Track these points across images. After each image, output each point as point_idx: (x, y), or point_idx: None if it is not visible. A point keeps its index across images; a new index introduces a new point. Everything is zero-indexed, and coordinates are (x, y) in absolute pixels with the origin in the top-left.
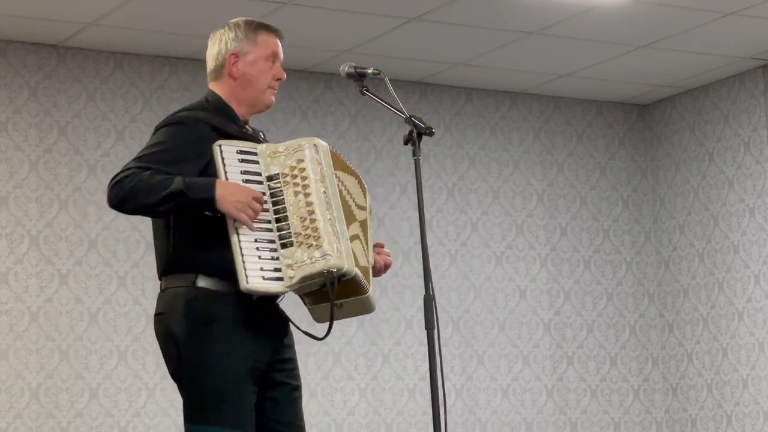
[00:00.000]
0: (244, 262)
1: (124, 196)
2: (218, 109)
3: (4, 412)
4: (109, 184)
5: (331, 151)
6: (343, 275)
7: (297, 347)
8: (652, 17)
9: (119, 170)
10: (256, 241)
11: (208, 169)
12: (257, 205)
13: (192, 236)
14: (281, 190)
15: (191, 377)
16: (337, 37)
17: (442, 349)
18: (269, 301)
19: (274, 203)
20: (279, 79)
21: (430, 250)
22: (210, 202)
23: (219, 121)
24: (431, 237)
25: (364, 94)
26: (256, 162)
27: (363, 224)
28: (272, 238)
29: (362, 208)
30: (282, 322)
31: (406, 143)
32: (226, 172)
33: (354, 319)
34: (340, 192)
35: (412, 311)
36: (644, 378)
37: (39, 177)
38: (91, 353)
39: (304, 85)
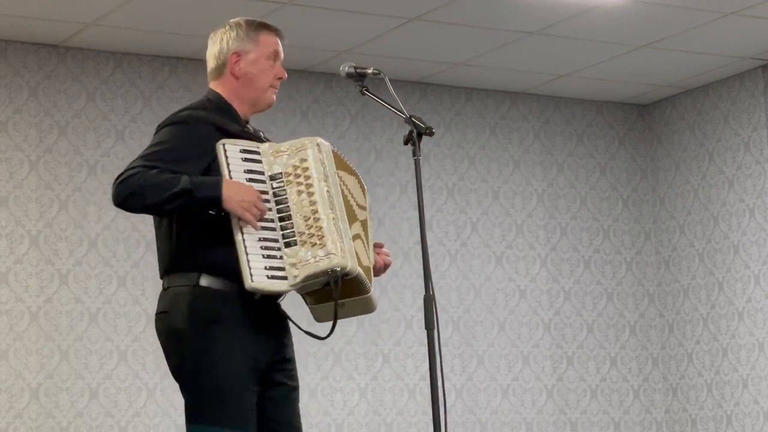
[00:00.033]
0: (248, 261)
1: (130, 195)
2: (220, 108)
3: (4, 412)
4: (115, 182)
5: (333, 151)
6: (347, 274)
7: (297, 347)
8: (652, 17)
9: (124, 169)
10: (260, 240)
11: (212, 168)
12: (263, 205)
13: (195, 235)
14: (284, 190)
15: (193, 377)
16: (337, 37)
17: (442, 349)
18: (271, 300)
19: (278, 202)
20: (280, 78)
21: (430, 250)
22: (216, 201)
23: (221, 120)
24: (431, 237)
25: (364, 94)
26: (259, 161)
27: (364, 224)
28: (276, 237)
29: (363, 207)
30: (283, 321)
31: (406, 143)
32: (230, 171)
33: (354, 319)
34: (342, 192)
35: (412, 311)
36: (644, 378)
37: (39, 177)
38: (91, 353)
39: (304, 85)
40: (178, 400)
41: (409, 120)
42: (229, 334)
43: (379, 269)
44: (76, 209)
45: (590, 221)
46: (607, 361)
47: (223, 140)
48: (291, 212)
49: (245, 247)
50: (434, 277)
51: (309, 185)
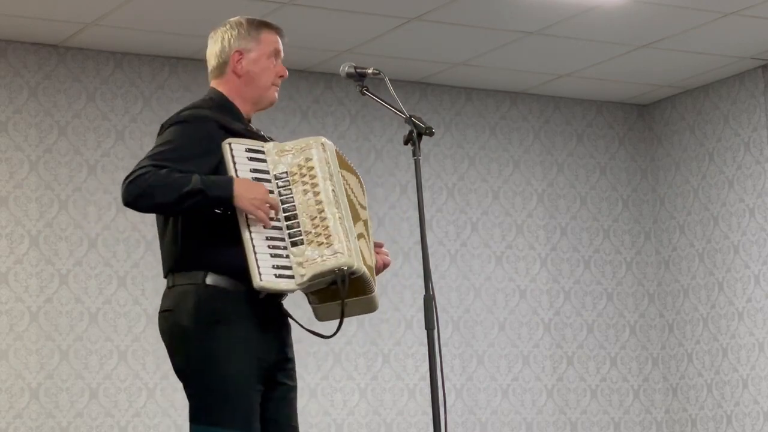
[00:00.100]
0: (257, 260)
1: (141, 194)
2: (223, 107)
3: (4, 412)
4: (124, 182)
5: (335, 151)
6: (353, 273)
7: (297, 347)
8: (652, 17)
9: (133, 169)
10: (267, 239)
11: (220, 167)
12: (273, 202)
13: (201, 234)
14: (290, 189)
15: (198, 376)
16: (337, 37)
17: (442, 349)
18: (275, 299)
19: (283, 202)
20: (282, 76)
21: (430, 250)
22: (228, 199)
23: (225, 118)
24: (431, 237)
25: (364, 94)
26: (264, 160)
27: (366, 223)
28: (282, 237)
29: (364, 207)
30: (285, 320)
31: (406, 143)
32: (236, 170)
33: (354, 318)
34: (346, 191)
35: (412, 311)
36: (644, 378)
37: (39, 177)
38: (91, 353)
39: (304, 85)
40: (178, 400)
41: (409, 120)
42: (235, 333)
43: (379, 269)
44: (76, 209)
45: (590, 221)
46: (607, 361)
47: (229, 139)
48: (297, 211)
49: (253, 246)
50: (434, 277)
51: (314, 184)
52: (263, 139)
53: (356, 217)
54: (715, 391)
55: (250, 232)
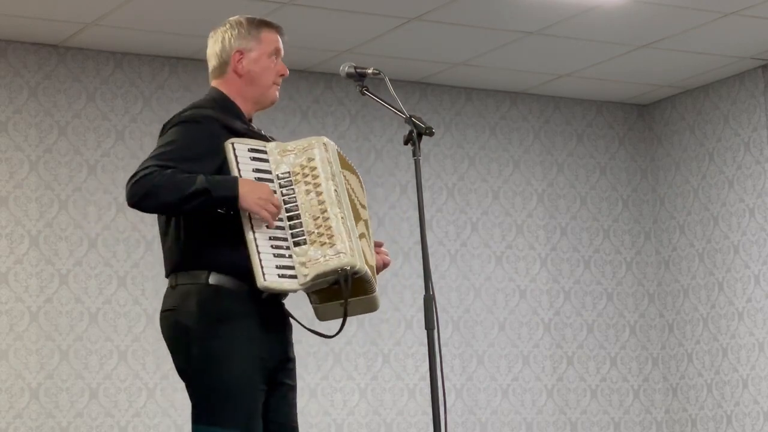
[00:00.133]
0: (260, 260)
1: (146, 194)
2: (224, 106)
3: (4, 412)
4: (129, 182)
5: (337, 150)
6: (356, 273)
7: (296, 347)
8: (652, 17)
9: (137, 169)
10: (270, 239)
11: (224, 167)
12: (278, 202)
13: (203, 234)
14: (292, 189)
15: (201, 376)
16: (337, 37)
17: (442, 349)
18: (277, 299)
19: (286, 201)
20: (282, 75)
21: (430, 250)
22: (233, 200)
23: (226, 118)
24: (431, 237)
25: (364, 94)
26: (267, 160)
27: (366, 223)
28: (285, 236)
29: (364, 207)
30: (286, 320)
31: (406, 143)
32: (239, 170)
33: (354, 318)
34: (347, 191)
35: (412, 311)
36: (644, 378)
37: (39, 177)
38: (91, 353)
39: (304, 85)
40: (178, 400)
41: (409, 120)
42: (238, 332)
43: (379, 268)
44: (76, 209)
45: (590, 221)
46: (607, 361)
47: (232, 139)
48: (300, 211)
49: (257, 246)
50: (434, 277)
51: (317, 184)
52: (265, 138)
53: (357, 217)
54: (715, 391)
55: (254, 232)
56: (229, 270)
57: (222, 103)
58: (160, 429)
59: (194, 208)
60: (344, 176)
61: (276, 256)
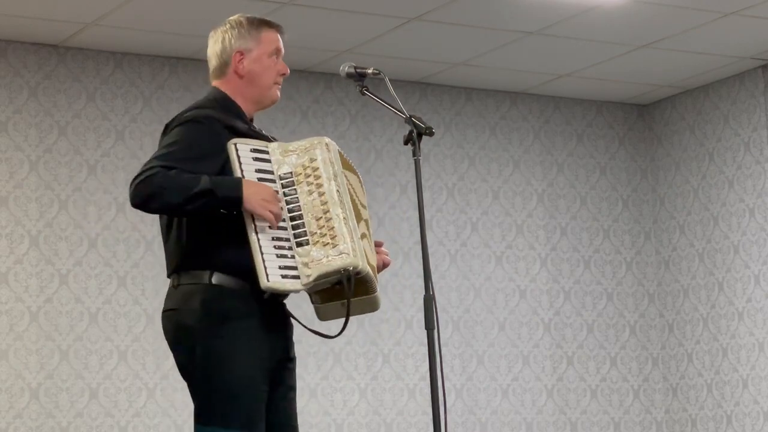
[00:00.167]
0: (264, 261)
1: (151, 195)
2: (226, 106)
3: (4, 412)
4: (133, 182)
5: (338, 151)
6: (358, 273)
7: (296, 347)
8: (652, 17)
9: (141, 169)
10: (273, 239)
11: (226, 167)
12: (279, 203)
13: (206, 234)
14: (295, 189)
15: (204, 376)
16: (337, 37)
17: (442, 349)
18: (278, 299)
19: (288, 202)
20: (283, 74)
21: (430, 250)
22: (238, 201)
23: (229, 118)
24: (431, 237)
25: (364, 94)
26: (269, 160)
27: (367, 223)
28: (287, 237)
29: (365, 206)
30: (288, 320)
31: (406, 143)
32: (242, 171)
33: (354, 318)
34: (348, 191)
35: (412, 311)
36: (644, 378)
37: (39, 177)
38: (91, 353)
39: (304, 85)
40: (178, 400)
41: (409, 120)
42: (241, 332)
43: (379, 268)
44: (76, 209)
45: (590, 221)
46: (607, 361)
47: (234, 139)
48: (302, 212)
49: (260, 247)
50: (434, 277)
51: (319, 185)
52: (266, 138)
53: (358, 217)
54: (715, 391)
55: (257, 233)
56: (231, 270)
57: (223, 103)
58: (160, 429)
59: (198, 208)
60: (345, 176)
61: (279, 256)
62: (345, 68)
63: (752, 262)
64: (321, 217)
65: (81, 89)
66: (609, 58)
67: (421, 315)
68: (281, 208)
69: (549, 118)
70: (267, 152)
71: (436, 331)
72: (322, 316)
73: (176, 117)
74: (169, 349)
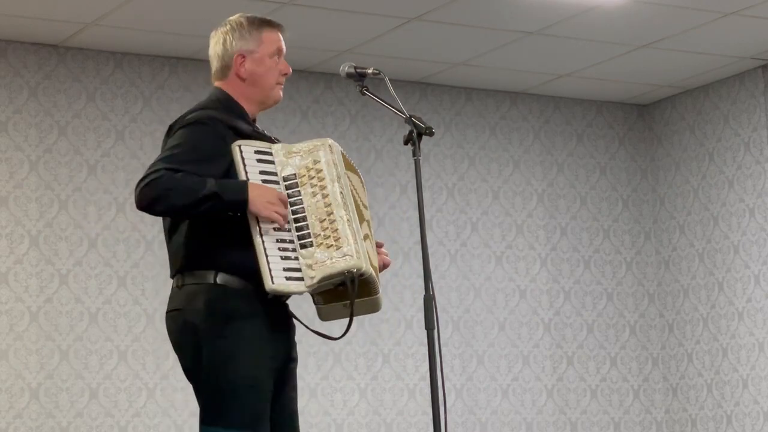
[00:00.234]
0: (268, 263)
1: (157, 198)
2: (229, 107)
3: (4, 412)
4: (139, 185)
5: (341, 152)
6: (362, 275)
7: (297, 347)
8: (652, 17)
9: (146, 172)
10: (277, 241)
11: (231, 169)
12: (284, 205)
13: (211, 234)
14: (298, 191)
15: (209, 376)
16: (337, 37)
17: (442, 349)
18: (281, 299)
19: (292, 204)
20: (285, 74)
21: (430, 250)
22: (243, 204)
23: (232, 119)
24: (431, 237)
25: (364, 94)
26: (272, 162)
27: (369, 224)
28: (291, 239)
29: (366, 207)
30: (290, 320)
31: (406, 143)
32: (246, 172)
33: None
34: (351, 192)
35: (412, 311)
36: (644, 378)
37: (39, 177)
38: (91, 353)
39: (304, 85)
40: (178, 400)
41: (409, 120)
42: (247, 331)
43: (380, 268)
44: (76, 209)
45: (590, 221)
46: (607, 361)
47: (238, 141)
48: (306, 213)
49: (264, 249)
50: (434, 277)
51: (323, 187)
52: (270, 139)
53: (361, 218)
54: (715, 391)
55: (261, 235)
56: (235, 270)
57: (226, 103)
58: (160, 429)
59: (204, 211)
60: (348, 177)
61: (283, 258)
62: (345, 68)
63: (752, 262)
64: (325, 219)
65: (81, 89)
66: (609, 58)
67: (421, 315)
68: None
69: (549, 118)
70: (270, 154)
71: (436, 331)
72: (324, 316)
73: (180, 119)
74: (168, 349)
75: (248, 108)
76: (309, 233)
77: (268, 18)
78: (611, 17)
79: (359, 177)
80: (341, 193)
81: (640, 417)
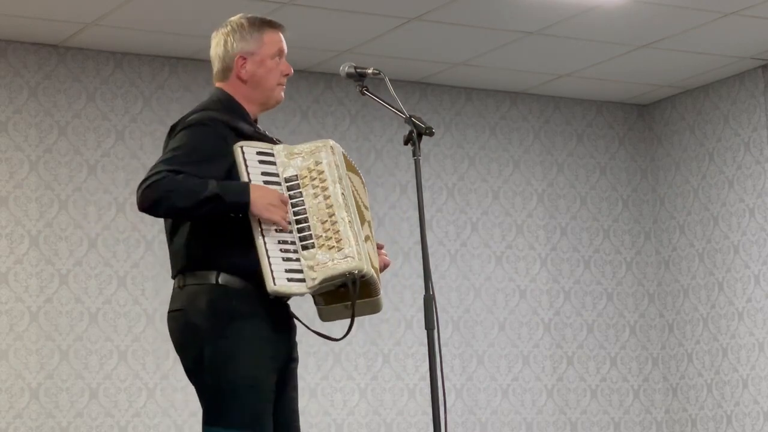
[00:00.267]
0: (270, 264)
1: (158, 200)
2: (231, 108)
3: (4, 412)
4: (140, 187)
5: (342, 153)
6: (363, 276)
7: (297, 347)
8: (652, 17)
9: (148, 173)
10: (279, 242)
11: (233, 170)
12: (286, 207)
13: (212, 235)
14: (300, 192)
15: (212, 376)
16: (337, 37)
17: (442, 349)
18: (282, 300)
19: (293, 205)
20: (287, 75)
21: (430, 250)
22: (245, 205)
23: (234, 120)
24: (431, 237)
25: (364, 94)
26: (274, 163)
27: (370, 224)
28: (293, 240)
29: (367, 208)
30: (291, 321)
31: (406, 143)
32: (248, 174)
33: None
34: (353, 193)
35: (412, 311)
36: (644, 378)
37: (39, 177)
38: (91, 353)
39: (304, 85)
40: (178, 400)
41: (409, 120)
42: (249, 332)
43: (380, 269)
44: (76, 209)
45: (590, 221)
46: (607, 361)
47: (240, 142)
48: (308, 215)
49: (267, 251)
50: (434, 277)
51: (324, 188)
52: (271, 140)
53: (362, 219)
54: (715, 391)
55: (263, 236)
56: (237, 271)
57: (227, 104)
58: (160, 429)
59: (206, 213)
60: (349, 178)
61: (285, 260)
62: (345, 68)
63: (752, 262)
64: (326, 221)
65: (81, 89)
66: (609, 58)
67: (421, 315)
68: (287, 212)
69: (549, 118)
70: (272, 154)
71: (436, 331)
72: (324, 317)
73: (181, 120)
74: (168, 349)
75: (249, 109)
76: (310, 234)
77: (269, 18)
78: (611, 17)
79: (360, 178)
80: (343, 194)
81: (640, 417)
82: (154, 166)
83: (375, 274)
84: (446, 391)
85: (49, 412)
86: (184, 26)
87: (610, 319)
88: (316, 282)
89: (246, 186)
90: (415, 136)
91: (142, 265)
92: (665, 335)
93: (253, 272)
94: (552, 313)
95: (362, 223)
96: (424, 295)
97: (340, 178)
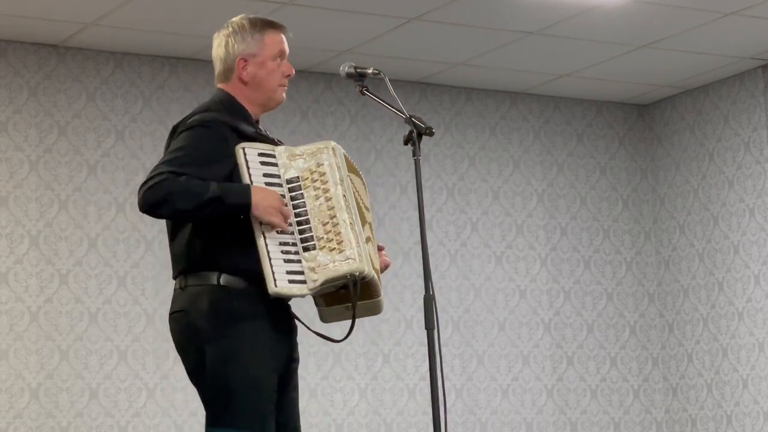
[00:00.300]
0: (271, 266)
1: (160, 201)
2: (232, 109)
3: (4, 412)
4: (142, 188)
5: (343, 154)
6: (364, 278)
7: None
8: (652, 17)
9: (149, 175)
10: (280, 244)
11: (235, 171)
12: (287, 211)
13: (214, 236)
14: (302, 194)
15: (213, 376)
16: (337, 37)
17: (442, 349)
18: (284, 301)
19: (295, 206)
20: (288, 76)
21: (430, 250)
22: (246, 207)
23: (236, 121)
24: (431, 237)
25: (364, 94)
26: (275, 164)
27: (371, 226)
28: (294, 241)
29: (368, 209)
30: (293, 322)
31: (406, 143)
32: (250, 175)
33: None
34: (354, 195)
35: (412, 311)
36: (644, 378)
37: (39, 177)
38: (91, 353)
39: (304, 85)
40: (178, 400)
41: (409, 120)
42: (251, 332)
43: (381, 270)
44: (76, 209)
45: (590, 221)
46: (607, 361)
47: (242, 144)
48: (309, 216)
49: (268, 252)
50: (434, 277)
51: (326, 190)
52: (273, 141)
53: (363, 221)
54: (715, 391)
55: (265, 238)
56: (238, 272)
57: (229, 105)
58: (160, 429)
59: (207, 215)
60: (350, 179)
61: (286, 261)
62: (345, 68)
63: (752, 262)
64: (328, 222)
65: (81, 89)
66: (609, 58)
67: (421, 315)
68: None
69: (549, 118)
70: (273, 156)
71: (436, 331)
72: (325, 318)
73: (182, 121)
74: (168, 349)
75: (251, 110)
76: (312, 236)
77: (270, 19)
78: (611, 17)
79: (361, 179)
80: (344, 196)
81: (640, 417)
82: (156, 167)
83: (376, 276)
84: (446, 391)
85: (49, 412)
86: (184, 26)
87: (610, 319)
88: (317, 284)
89: (247, 188)
90: (415, 136)
91: (142, 265)
92: (665, 335)
93: (254, 273)
94: (552, 313)
95: (363, 225)
96: (424, 295)
97: (342, 180)
